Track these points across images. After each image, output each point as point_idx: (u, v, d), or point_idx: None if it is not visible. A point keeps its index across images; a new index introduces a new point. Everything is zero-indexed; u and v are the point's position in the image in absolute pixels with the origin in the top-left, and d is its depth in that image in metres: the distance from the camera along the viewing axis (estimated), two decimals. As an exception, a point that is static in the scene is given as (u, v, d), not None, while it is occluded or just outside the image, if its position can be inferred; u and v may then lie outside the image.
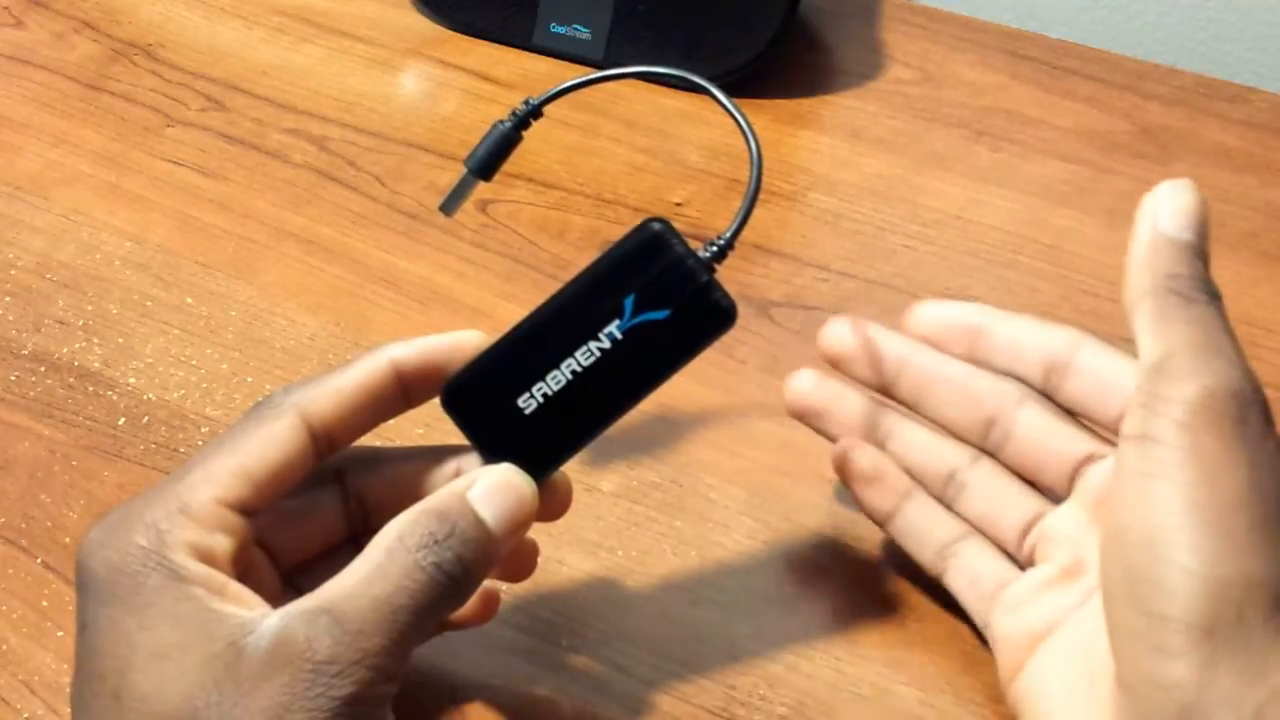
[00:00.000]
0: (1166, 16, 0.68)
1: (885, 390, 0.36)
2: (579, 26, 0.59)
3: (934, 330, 0.36)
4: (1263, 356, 0.46)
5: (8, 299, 0.47)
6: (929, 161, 0.55)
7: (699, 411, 0.43)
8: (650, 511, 0.40)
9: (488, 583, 0.32)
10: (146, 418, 0.43)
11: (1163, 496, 0.27)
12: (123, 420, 0.42)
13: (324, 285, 0.48)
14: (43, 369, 0.44)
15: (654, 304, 0.30)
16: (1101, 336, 0.34)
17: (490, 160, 0.35)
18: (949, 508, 0.36)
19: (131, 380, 0.44)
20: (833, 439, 0.37)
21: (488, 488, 0.29)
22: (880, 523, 0.36)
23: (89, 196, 0.52)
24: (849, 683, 0.36)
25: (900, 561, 0.37)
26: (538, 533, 0.32)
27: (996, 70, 0.60)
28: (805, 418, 0.37)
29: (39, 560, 0.38)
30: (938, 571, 0.35)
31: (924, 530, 0.35)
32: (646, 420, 0.42)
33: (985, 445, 0.35)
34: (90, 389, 0.43)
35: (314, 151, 0.54)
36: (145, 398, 0.43)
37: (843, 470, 0.36)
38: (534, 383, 0.30)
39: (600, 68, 0.61)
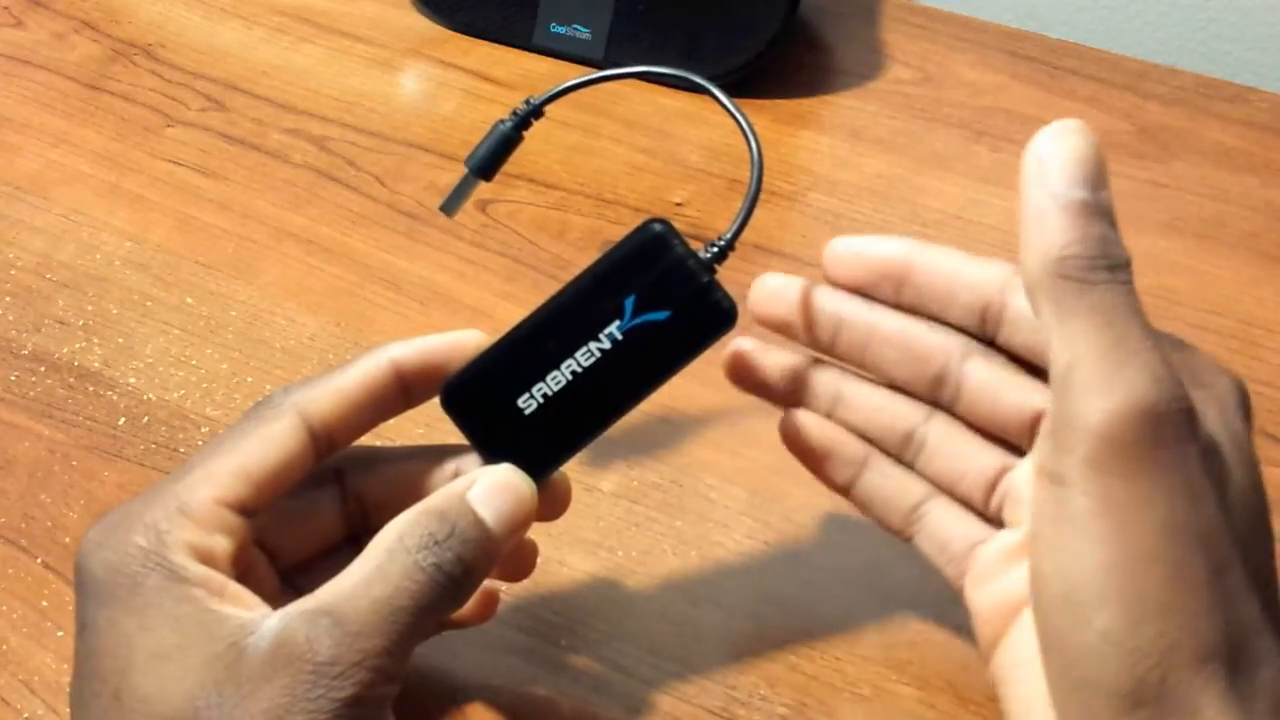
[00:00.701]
0: (1166, 16, 0.68)
1: (823, 351, 0.33)
2: (579, 26, 0.59)
3: (857, 275, 0.32)
4: (1263, 356, 0.46)
5: (8, 299, 0.47)
6: (929, 161, 0.55)
7: (699, 411, 0.43)
8: (650, 511, 0.40)
9: (487, 582, 0.31)
10: (146, 418, 0.43)
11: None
12: (123, 420, 0.42)
13: (324, 285, 0.48)
14: (43, 369, 0.44)
15: (655, 305, 0.30)
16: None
17: (491, 160, 0.35)
18: (910, 467, 0.33)
19: (131, 380, 0.44)
20: (779, 405, 0.34)
21: (487, 488, 0.29)
22: (841, 492, 0.34)
23: (89, 196, 0.52)
24: (849, 683, 0.36)
25: (901, 560, 0.37)
26: (537, 533, 0.32)
27: (996, 70, 0.60)
28: (748, 387, 0.34)
29: (39, 560, 0.38)
30: (906, 536, 0.33)
31: (888, 496, 0.33)
32: (646, 420, 0.42)
33: (937, 403, 0.33)
34: (90, 389, 0.43)
35: (314, 151, 0.54)
36: (145, 398, 0.43)
37: (793, 446, 0.34)
38: (534, 383, 0.30)
39: (600, 67, 0.61)
